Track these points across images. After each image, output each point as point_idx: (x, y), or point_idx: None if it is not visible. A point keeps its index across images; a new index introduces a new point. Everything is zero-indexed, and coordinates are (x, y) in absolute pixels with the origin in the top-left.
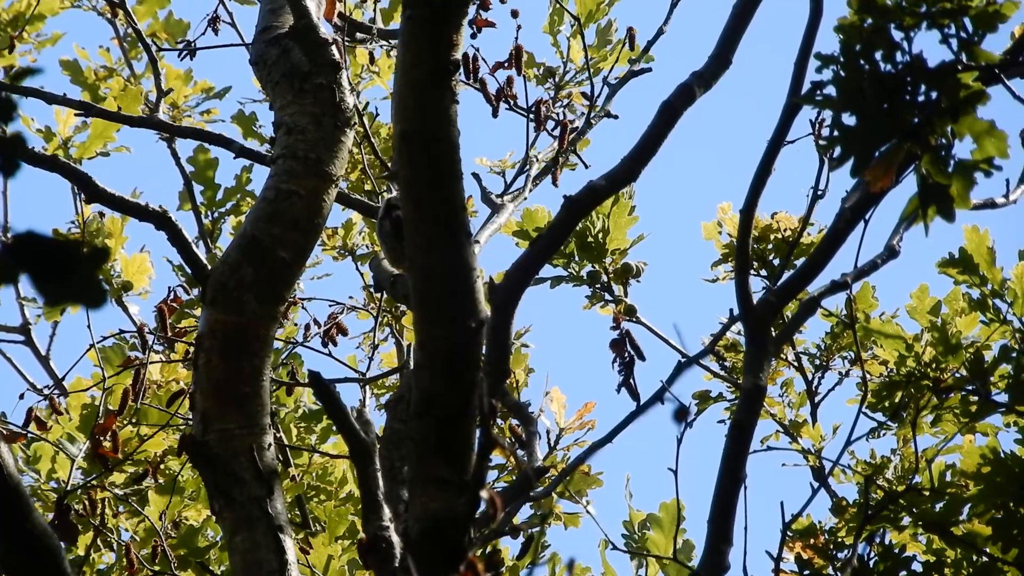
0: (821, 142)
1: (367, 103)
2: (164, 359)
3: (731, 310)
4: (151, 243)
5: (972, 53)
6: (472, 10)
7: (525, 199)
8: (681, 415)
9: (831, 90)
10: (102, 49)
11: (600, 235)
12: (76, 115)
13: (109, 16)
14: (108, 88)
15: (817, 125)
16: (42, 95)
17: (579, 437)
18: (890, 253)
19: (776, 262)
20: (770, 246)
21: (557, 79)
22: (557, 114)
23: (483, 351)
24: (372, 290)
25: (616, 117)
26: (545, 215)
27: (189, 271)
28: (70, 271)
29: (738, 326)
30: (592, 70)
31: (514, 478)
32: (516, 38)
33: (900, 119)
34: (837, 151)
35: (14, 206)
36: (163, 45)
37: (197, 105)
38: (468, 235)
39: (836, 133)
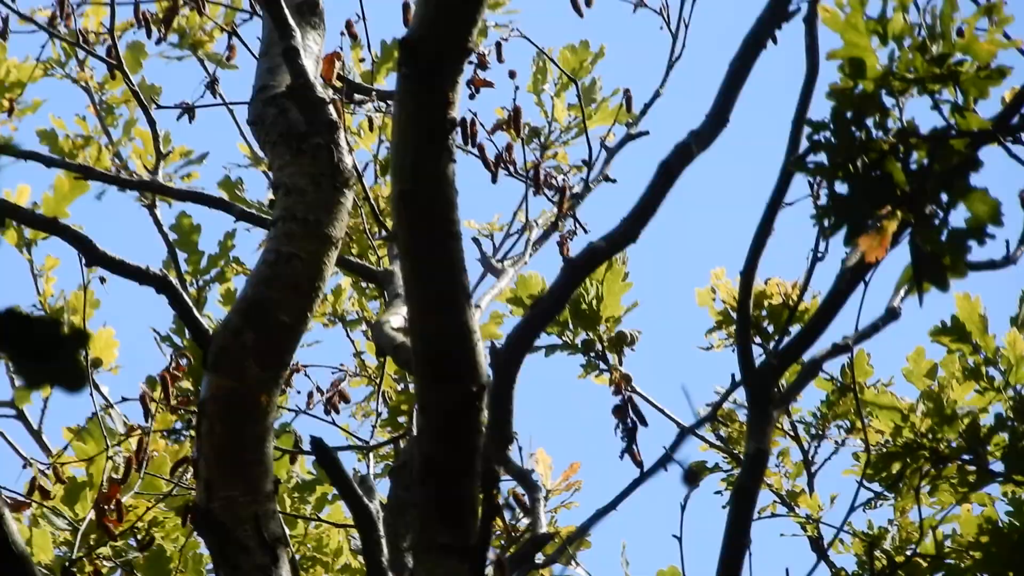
0: (814, 211)
1: (367, 164)
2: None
3: (732, 375)
4: (124, 317)
5: (964, 119)
6: (469, 70)
7: (526, 263)
8: (691, 478)
9: (823, 156)
10: (78, 118)
11: (594, 303)
12: (76, 177)
13: (84, 84)
14: (87, 158)
15: (816, 186)
16: (40, 158)
17: (566, 499)
18: (891, 315)
19: (771, 329)
20: (764, 312)
21: (543, 139)
22: (556, 180)
23: (485, 415)
24: (364, 358)
25: (614, 181)
26: (539, 282)
27: (190, 335)
28: (51, 352)
29: (735, 394)
30: (578, 129)
31: (503, 542)
32: (514, 99)
33: (892, 187)
34: (830, 220)
35: None
36: (156, 105)
37: (176, 171)
38: (468, 297)
39: (828, 202)
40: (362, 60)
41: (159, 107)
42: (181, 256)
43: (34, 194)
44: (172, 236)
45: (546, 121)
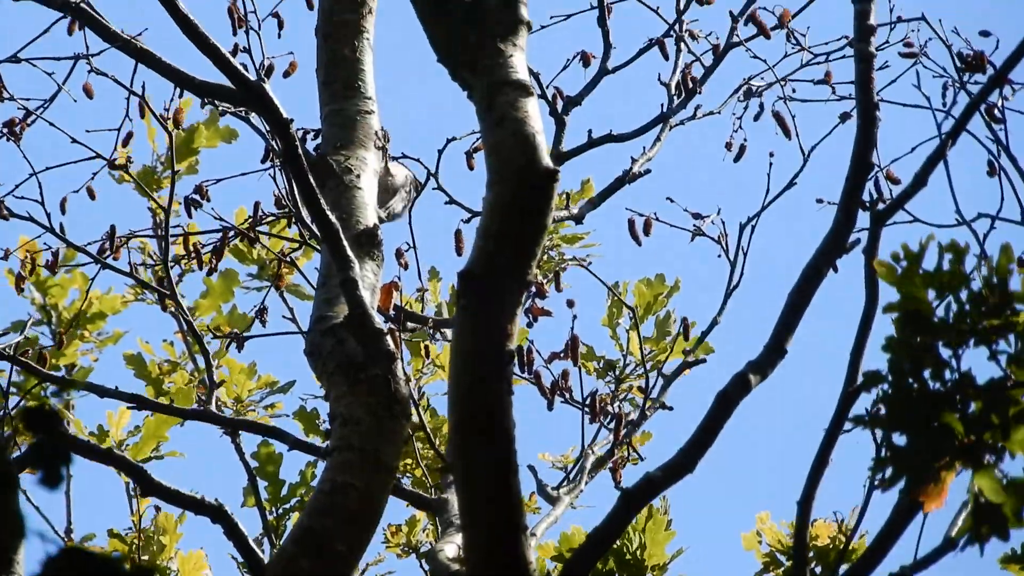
0: (871, 463)
1: (423, 394)
2: None
3: None
4: (211, 539)
5: (1022, 369)
6: (528, 299)
7: (582, 491)
8: None
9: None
10: (166, 343)
11: (638, 552)
12: (129, 407)
13: (173, 310)
14: (172, 382)
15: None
16: (94, 388)
17: None
18: (949, 545)
19: (819, 571)
20: (811, 554)
21: (617, 372)
22: (613, 407)
23: None
24: None
25: (671, 409)
26: (581, 536)
27: (246, 566)
28: None
29: None
30: (651, 363)
31: None
32: (572, 328)
33: (951, 438)
34: (888, 471)
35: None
36: (216, 343)
37: (261, 399)
38: (524, 528)
39: (886, 453)
40: (419, 291)
41: (215, 336)
42: (262, 484)
43: (136, 416)
44: (253, 464)
45: (621, 355)
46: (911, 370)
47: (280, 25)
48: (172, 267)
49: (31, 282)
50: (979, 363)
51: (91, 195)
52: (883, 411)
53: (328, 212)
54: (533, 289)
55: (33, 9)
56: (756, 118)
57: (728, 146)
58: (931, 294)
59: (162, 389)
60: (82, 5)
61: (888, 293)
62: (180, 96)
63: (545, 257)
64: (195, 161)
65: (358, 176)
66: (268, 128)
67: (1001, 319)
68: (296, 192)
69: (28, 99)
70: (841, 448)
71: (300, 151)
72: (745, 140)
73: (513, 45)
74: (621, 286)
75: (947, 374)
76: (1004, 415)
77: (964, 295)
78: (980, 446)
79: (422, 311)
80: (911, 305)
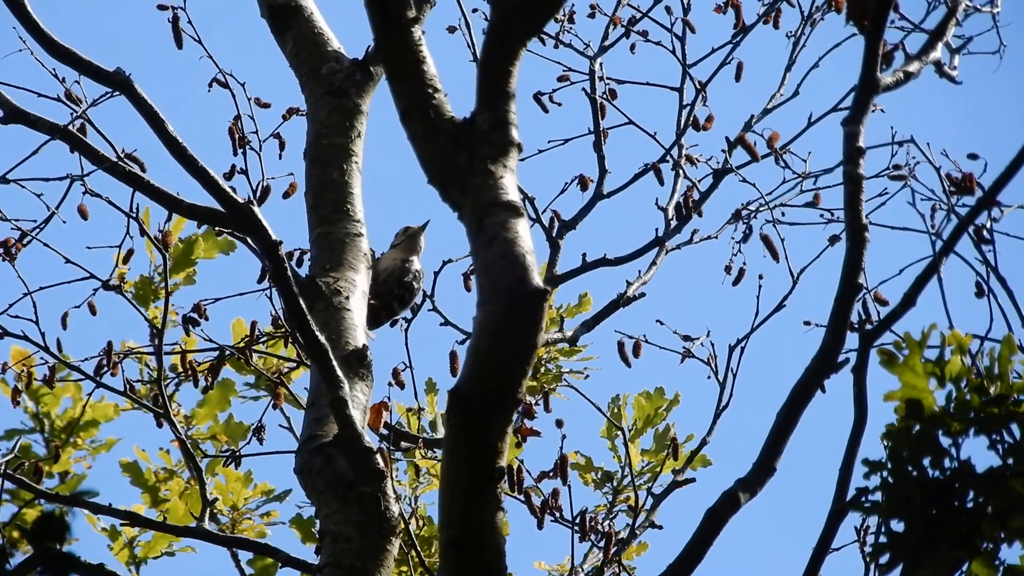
0: (867, 548)
1: (414, 510)
2: None
3: None
4: None
5: (1021, 458)
6: (516, 419)
7: None
8: None
9: (878, 495)
10: (162, 451)
11: None
12: (123, 524)
13: (170, 420)
14: (168, 490)
15: (862, 532)
16: (87, 505)
17: None
18: None
19: None
20: None
21: (615, 483)
22: (603, 526)
23: None
24: None
25: (660, 527)
26: None
27: None
28: None
29: None
30: (649, 475)
31: None
32: (561, 448)
33: (949, 525)
34: (885, 557)
35: None
36: (213, 451)
37: (257, 508)
38: None
39: (885, 539)
40: (410, 410)
41: (205, 456)
42: None
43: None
44: (249, 571)
45: (619, 466)
46: (910, 458)
47: (282, 146)
48: (167, 382)
49: (23, 391)
50: (979, 452)
51: (92, 311)
52: (881, 499)
53: (317, 333)
54: (522, 409)
55: (23, 128)
56: (745, 240)
57: (727, 269)
58: (932, 383)
59: (158, 497)
60: (69, 128)
61: (877, 411)
62: (169, 219)
63: (543, 370)
64: (193, 272)
65: (347, 298)
66: (258, 250)
67: (1002, 409)
68: (285, 313)
69: (19, 220)
70: (829, 566)
71: (289, 273)
72: (744, 264)
73: (504, 167)
74: (621, 399)
75: (946, 462)
76: (1002, 503)
77: (965, 384)
78: (978, 534)
79: (418, 427)
80: (912, 394)
